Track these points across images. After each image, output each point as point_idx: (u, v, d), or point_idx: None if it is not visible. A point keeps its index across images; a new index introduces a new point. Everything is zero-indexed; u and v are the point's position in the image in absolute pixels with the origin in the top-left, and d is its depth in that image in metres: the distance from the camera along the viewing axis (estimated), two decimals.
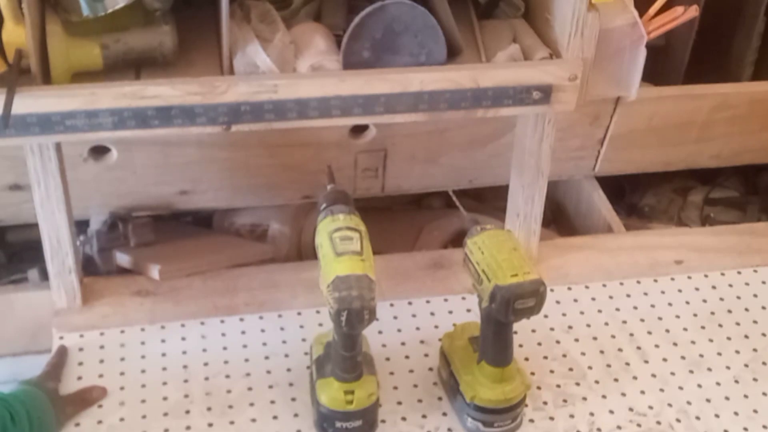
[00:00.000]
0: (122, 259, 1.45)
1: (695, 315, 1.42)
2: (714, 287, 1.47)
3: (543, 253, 1.49)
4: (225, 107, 1.19)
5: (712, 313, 1.42)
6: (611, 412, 1.25)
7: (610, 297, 1.44)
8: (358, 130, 1.49)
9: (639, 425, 1.24)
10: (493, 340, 1.17)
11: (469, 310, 1.39)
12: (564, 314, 1.40)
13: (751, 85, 1.73)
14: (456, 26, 1.28)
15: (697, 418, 1.25)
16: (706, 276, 1.49)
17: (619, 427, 1.23)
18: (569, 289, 1.45)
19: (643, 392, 1.28)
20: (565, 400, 1.27)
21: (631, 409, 1.26)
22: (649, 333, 1.38)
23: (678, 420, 1.25)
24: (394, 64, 1.25)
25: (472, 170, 1.61)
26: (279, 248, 1.58)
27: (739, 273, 1.50)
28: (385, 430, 1.21)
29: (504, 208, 1.49)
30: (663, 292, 1.45)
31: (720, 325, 1.40)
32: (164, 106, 1.18)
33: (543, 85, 1.26)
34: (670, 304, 1.43)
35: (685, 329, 1.39)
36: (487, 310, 1.15)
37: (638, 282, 1.47)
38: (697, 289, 1.47)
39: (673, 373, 1.31)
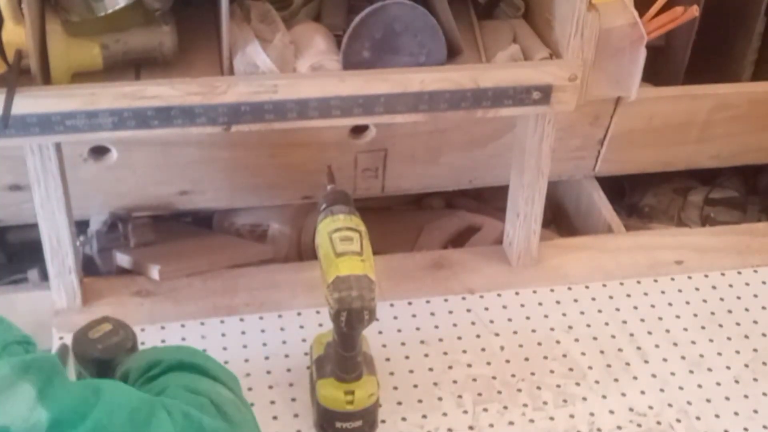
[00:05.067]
0: (122, 259, 1.45)
1: (695, 315, 1.42)
2: (714, 287, 1.47)
3: (543, 253, 1.49)
4: (225, 107, 1.19)
5: (713, 313, 1.42)
6: (611, 412, 1.25)
7: (610, 297, 1.44)
8: (358, 130, 1.49)
9: (639, 425, 1.24)
10: None
11: (469, 310, 1.40)
12: (564, 314, 1.40)
13: (751, 85, 1.73)
14: (456, 26, 1.28)
15: (698, 418, 1.25)
16: (706, 276, 1.49)
17: (619, 428, 1.23)
18: (569, 289, 1.45)
19: (643, 392, 1.28)
20: (565, 400, 1.27)
21: (631, 409, 1.26)
22: (650, 333, 1.38)
23: (678, 420, 1.25)
24: (394, 64, 1.25)
25: (472, 170, 1.61)
26: (279, 248, 1.58)
27: (739, 273, 1.50)
28: (385, 430, 1.21)
29: (504, 209, 1.49)
30: (663, 292, 1.45)
31: (720, 325, 1.40)
32: (164, 106, 1.18)
33: (543, 85, 1.26)
34: (670, 304, 1.43)
35: (686, 329, 1.39)
36: None
37: (638, 282, 1.47)
38: (697, 289, 1.47)
39: (673, 373, 1.31)
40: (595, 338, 1.37)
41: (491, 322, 1.38)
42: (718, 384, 1.30)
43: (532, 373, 1.30)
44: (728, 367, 1.33)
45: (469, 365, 1.31)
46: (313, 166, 1.49)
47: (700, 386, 1.30)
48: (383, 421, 1.22)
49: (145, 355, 0.97)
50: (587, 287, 1.46)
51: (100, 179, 1.45)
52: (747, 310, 1.43)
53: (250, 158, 1.48)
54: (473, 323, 1.38)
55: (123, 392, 0.83)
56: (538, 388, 1.28)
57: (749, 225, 1.67)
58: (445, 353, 1.32)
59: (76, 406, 0.78)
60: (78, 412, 0.77)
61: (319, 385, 1.17)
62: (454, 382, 1.28)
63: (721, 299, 1.45)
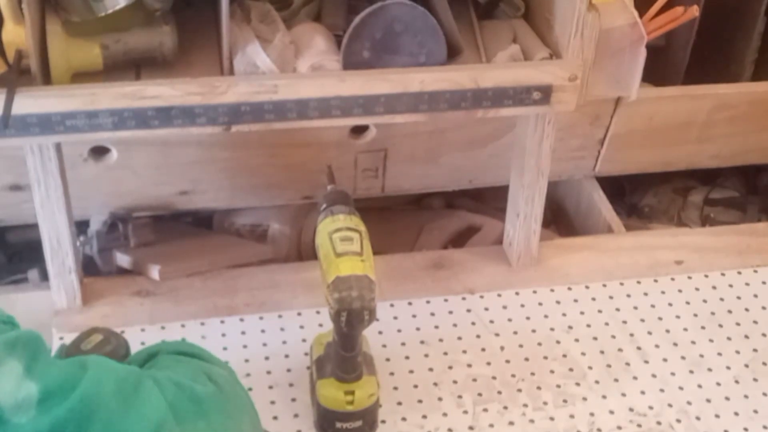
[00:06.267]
0: (122, 259, 1.45)
1: (695, 315, 1.42)
2: (714, 287, 1.47)
3: (543, 254, 1.49)
4: (225, 107, 1.19)
5: (713, 314, 1.42)
6: (611, 412, 1.25)
7: (611, 297, 1.44)
8: (358, 130, 1.49)
9: (639, 425, 1.24)
10: None
11: (469, 310, 1.40)
12: (564, 314, 1.40)
13: (751, 85, 1.72)
14: (456, 26, 1.28)
15: (698, 418, 1.25)
16: (706, 276, 1.49)
17: (619, 428, 1.23)
18: (569, 289, 1.45)
19: (643, 392, 1.28)
20: (565, 400, 1.27)
21: (631, 410, 1.26)
22: (650, 333, 1.38)
23: (678, 420, 1.25)
24: (394, 64, 1.25)
25: (472, 170, 1.61)
26: (279, 248, 1.58)
27: (739, 273, 1.50)
28: (385, 430, 1.21)
29: (504, 209, 1.49)
30: (663, 293, 1.45)
31: (720, 326, 1.40)
32: (164, 106, 1.18)
33: (543, 85, 1.26)
34: (670, 305, 1.43)
35: (686, 329, 1.39)
36: None
37: (638, 282, 1.47)
38: (697, 289, 1.47)
39: (673, 374, 1.31)
40: (595, 338, 1.37)
41: (491, 322, 1.38)
42: (718, 384, 1.30)
43: (532, 373, 1.30)
44: (728, 367, 1.33)
45: (469, 365, 1.31)
46: (313, 166, 1.49)
47: (700, 386, 1.30)
48: (383, 421, 1.22)
49: (145, 349, 0.99)
50: (587, 287, 1.46)
51: (100, 179, 1.45)
52: (747, 310, 1.43)
53: (250, 158, 1.48)
54: (473, 323, 1.38)
55: (109, 364, 0.84)
56: (538, 388, 1.28)
57: (749, 225, 1.67)
58: (445, 353, 1.32)
59: (64, 378, 0.78)
60: (67, 383, 0.78)
61: (319, 385, 1.17)
62: (454, 382, 1.28)
63: (721, 299, 1.45)
